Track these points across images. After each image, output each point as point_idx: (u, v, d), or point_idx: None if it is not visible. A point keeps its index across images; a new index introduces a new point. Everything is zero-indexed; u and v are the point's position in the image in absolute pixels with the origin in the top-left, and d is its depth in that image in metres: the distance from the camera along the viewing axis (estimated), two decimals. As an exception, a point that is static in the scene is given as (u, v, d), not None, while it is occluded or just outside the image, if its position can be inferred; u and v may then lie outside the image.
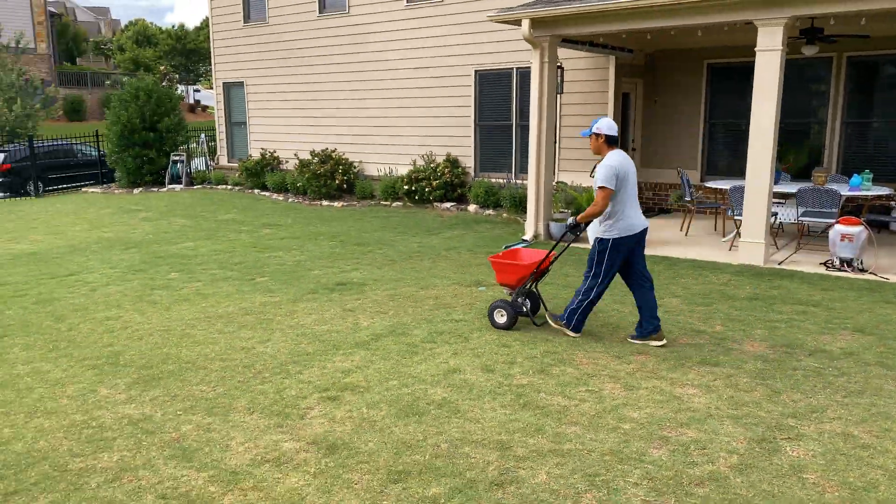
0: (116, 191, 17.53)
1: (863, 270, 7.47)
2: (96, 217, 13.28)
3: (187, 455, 3.83)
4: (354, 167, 14.76)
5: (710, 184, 9.80)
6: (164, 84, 44.47)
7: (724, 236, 9.62)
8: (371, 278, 7.84)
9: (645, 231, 5.44)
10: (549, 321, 5.78)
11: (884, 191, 8.50)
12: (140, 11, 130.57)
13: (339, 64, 14.97)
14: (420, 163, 13.70)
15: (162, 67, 46.68)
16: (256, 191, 16.05)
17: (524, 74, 12.38)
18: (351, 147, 14.96)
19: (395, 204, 13.68)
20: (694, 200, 9.98)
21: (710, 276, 7.66)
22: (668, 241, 9.43)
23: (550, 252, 5.87)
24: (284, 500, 3.38)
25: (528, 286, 5.89)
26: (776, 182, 9.45)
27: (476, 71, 13.00)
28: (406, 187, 13.27)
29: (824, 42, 9.02)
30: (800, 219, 8.38)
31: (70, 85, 42.46)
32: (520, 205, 11.94)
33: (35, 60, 39.56)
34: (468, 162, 13.35)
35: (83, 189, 18.66)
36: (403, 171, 14.04)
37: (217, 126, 17.97)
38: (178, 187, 17.22)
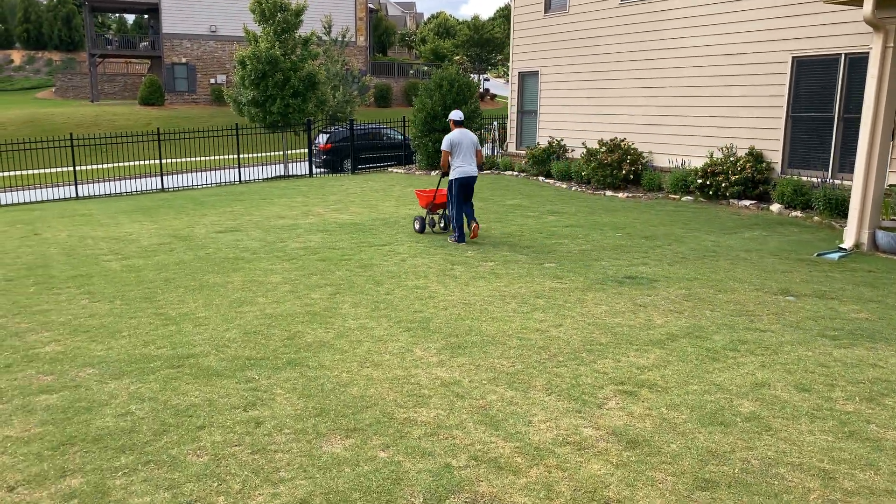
0: (416, 172, 19.26)
1: None
2: (402, 195, 14.73)
3: (494, 423, 4.09)
4: (643, 158, 14.37)
5: None
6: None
7: None
8: (662, 274, 7.59)
9: (471, 179, 9.47)
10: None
11: None
12: (441, 4, 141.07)
13: (634, 52, 14.63)
14: (717, 155, 12.86)
15: (457, 57, 49.93)
16: (541, 178, 16.45)
17: (854, 62, 10.90)
18: (639, 137, 14.58)
19: (684, 198, 13.05)
20: None
21: None
22: None
23: (438, 188, 10.32)
24: (588, 484, 3.44)
25: (437, 211, 10.38)
26: None
27: (794, 58, 11.76)
28: (699, 181, 12.56)
29: None
30: None
31: (380, 74, 47.39)
32: (836, 208, 10.61)
33: (354, 52, 44.97)
34: (774, 157, 12.19)
35: (388, 169, 20.84)
36: (697, 163, 13.31)
37: (509, 114, 18.76)
38: (469, 171, 18.36)
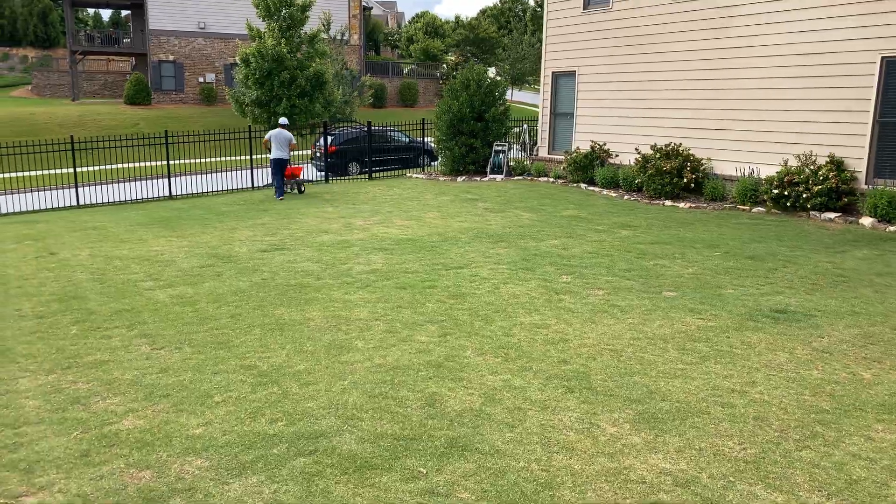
0: (440, 178, 18.12)
1: None
2: (439, 204, 13.59)
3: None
4: (702, 165, 13.39)
5: None
6: (454, 73, 46.56)
7: None
8: (811, 307, 6.56)
9: (279, 160, 15.27)
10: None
11: None
12: (417, 3, 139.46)
13: (690, 51, 13.65)
14: (793, 163, 11.91)
15: (453, 57, 48.85)
16: (583, 185, 15.42)
17: (956, 61, 10.02)
18: (697, 142, 13.59)
19: (755, 209, 12.09)
20: None
21: None
22: None
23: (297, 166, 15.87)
24: None
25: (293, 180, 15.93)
26: None
27: (883, 58, 10.85)
28: (775, 191, 11.60)
29: None
30: None
31: (374, 74, 46.14)
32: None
33: (348, 51, 43.61)
34: (857, 165, 11.27)
35: (406, 174, 19.65)
36: (766, 171, 12.36)
37: (541, 116, 17.70)
38: (498, 178, 17.29)
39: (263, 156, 18.36)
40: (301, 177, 16.54)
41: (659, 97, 14.39)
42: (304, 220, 12.00)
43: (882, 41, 10.83)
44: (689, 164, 13.24)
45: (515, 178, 17.24)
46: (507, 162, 17.70)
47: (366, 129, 20.14)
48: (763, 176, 12.41)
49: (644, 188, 13.76)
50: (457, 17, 72.61)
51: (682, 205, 12.86)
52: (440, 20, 67.57)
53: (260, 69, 22.03)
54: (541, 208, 12.79)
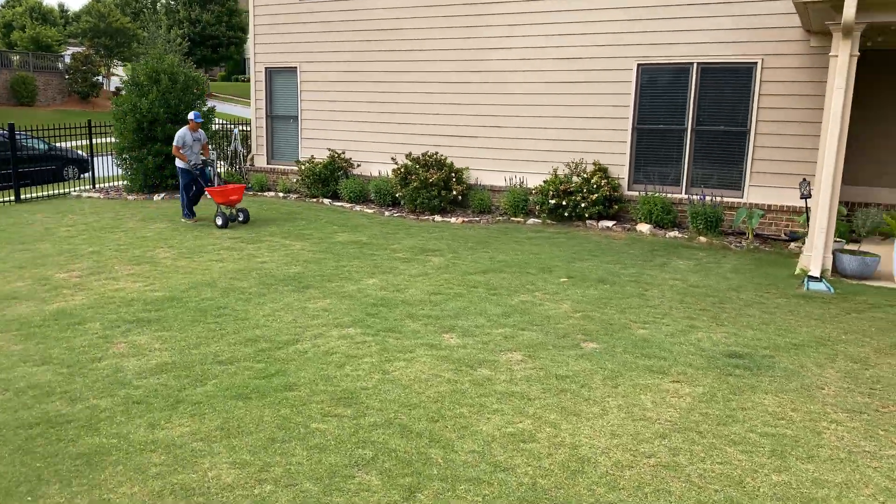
0: (128, 196, 14.07)
1: None
2: (162, 236, 10.13)
3: None
4: (463, 175, 12.37)
5: None
6: (84, 67, 39.19)
7: None
8: (762, 346, 5.67)
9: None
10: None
11: None
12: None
13: (443, 51, 12.51)
14: (563, 171, 11.55)
15: (83, 48, 41.11)
16: (326, 200, 13.24)
17: (706, 70, 10.56)
18: (458, 151, 12.54)
19: (530, 220, 11.46)
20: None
21: None
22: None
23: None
24: None
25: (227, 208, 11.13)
26: None
27: (639, 65, 11.02)
28: (552, 201, 11.07)
29: None
30: None
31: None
32: (714, 227, 10.13)
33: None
34: (621, 172, 11.34)
35: (72, 191, 14.91)
36: (535, 181, 11.84)
37: (254, 120, 14.90)
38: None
39: None
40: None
41: (412, 101, 12.96)
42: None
43: (638, 48, 10.99)
44: (454, 175, 12.09)
45: (231, 194, 14.18)
46: (217, 174, 14.50)
47: (5, 132, 14.77)
48: (532, 185, 11.87)
49: (405, 202, 12.21)
50: (60, 5, 62.13)
51: (452, 220, 11.63)
52: (46, 6, 57.01)
53: None
54: (304, 233, 10.34)
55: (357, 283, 7.47)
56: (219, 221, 10.81)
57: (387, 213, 12.19)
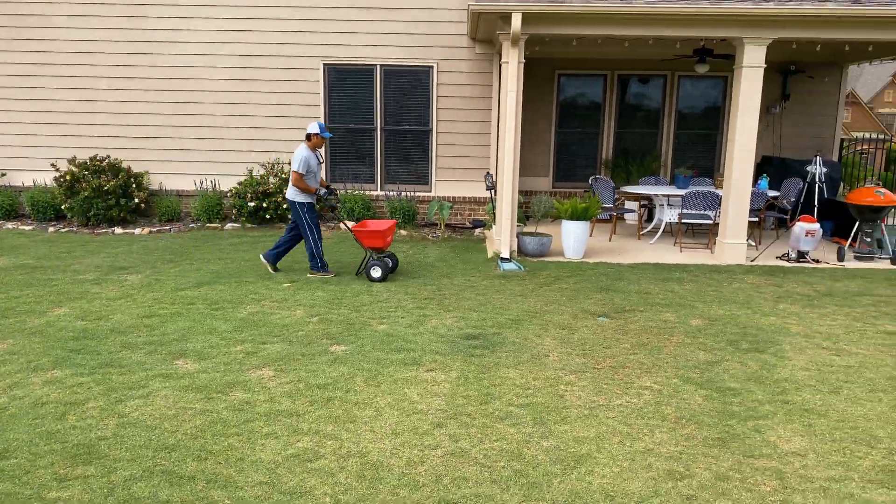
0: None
1: (816, 261, 8.98)
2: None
3: None
4: (143, 180, 11.12)
5: (631, 189, 10.41)
6: None
7: (651, 240, 10.31)
8: (489, 326, 6.19)
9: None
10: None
11: (776, 193, 10.32)
12: None
13: (104, 42, 11.02)
14: (259, 172, 11.11)
15: None
16: (-39, 218, 10.77)
17: (389, 72, 11.12)
18: (135, 154, 11.22)
19: (228, 226, 10.82)
20: (616, 206, 10.46)
21: (720, 278, 8.17)
22: (608, 249, 9.66)
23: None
24: None
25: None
26: (685, 186, 10.60)
27: (325, 65, 11.12)
28: (252, 203, 10.60)
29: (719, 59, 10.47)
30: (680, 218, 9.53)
31: None
32: (412, 219, 10.78)
33: None
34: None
35: None
36: (230, 183, 11.21)
37: None
38: None
39: None
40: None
41: (73, 97, 11.16)
42: None
43: (323, 48, 11.07)
44: (133, 180, 10.80)
45: None
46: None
47: None
48: (226, 188, 11.22)
49: (74, 215, 10.53)
50: None
51: (137, 231, 10.42)
52: None
53: None
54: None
55: (43, 316, 6.23)
56: None
57: (51, 229, 10.40)
